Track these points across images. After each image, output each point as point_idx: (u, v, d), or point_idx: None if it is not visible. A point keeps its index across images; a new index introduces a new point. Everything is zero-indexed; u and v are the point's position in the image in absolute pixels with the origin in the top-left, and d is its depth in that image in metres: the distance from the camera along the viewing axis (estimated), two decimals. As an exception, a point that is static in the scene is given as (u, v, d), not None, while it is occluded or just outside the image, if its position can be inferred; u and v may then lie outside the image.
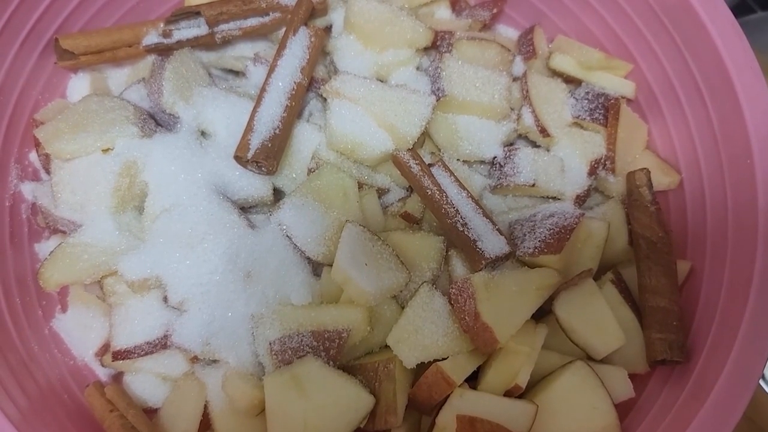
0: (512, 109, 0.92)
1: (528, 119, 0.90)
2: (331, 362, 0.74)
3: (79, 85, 0.95)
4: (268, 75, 0.83)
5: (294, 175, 0.85)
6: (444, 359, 0.74)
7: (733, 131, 0.78)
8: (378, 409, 0.73)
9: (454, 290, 0.75)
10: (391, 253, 0.77)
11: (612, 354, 0.78)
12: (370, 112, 0.83)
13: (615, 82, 0.94)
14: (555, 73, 0.97)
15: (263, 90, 0.82)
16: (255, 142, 0.78)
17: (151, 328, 0.78)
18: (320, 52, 0.89)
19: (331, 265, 0.77)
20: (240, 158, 0.79)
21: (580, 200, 0.89)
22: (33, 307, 0.86)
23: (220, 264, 0.76)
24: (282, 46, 0.85)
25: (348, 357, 0.78)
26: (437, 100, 0.86)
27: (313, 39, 0.86)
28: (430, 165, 0.83)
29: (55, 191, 0.82)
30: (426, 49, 0.95)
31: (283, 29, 0.92)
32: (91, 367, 0.87)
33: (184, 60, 0.88)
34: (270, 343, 0.74)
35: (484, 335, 0.73)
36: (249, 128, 0.79)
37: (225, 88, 0.89)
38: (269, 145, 0.78)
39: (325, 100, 0.87)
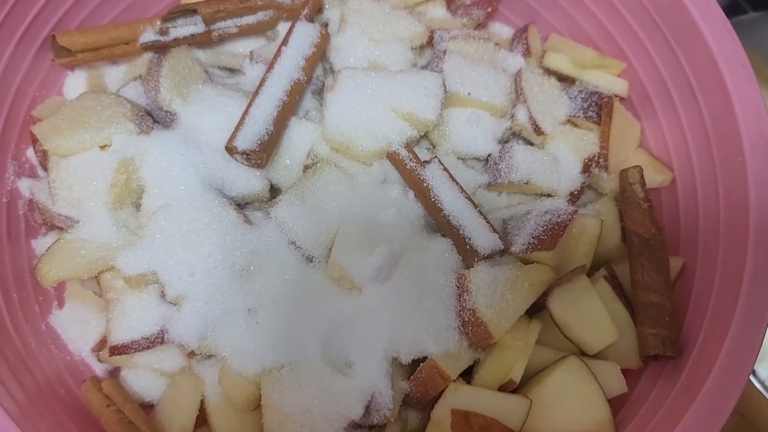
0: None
1: (522, 117, 0.90)
2: (328, 357, 0.75)
3: (75, 83, 0.95)
4: (268, 68, 0.83)
5: (290, 172, 0.85)
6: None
7: (724, 129, 0.79)
8: (373, 404, 0.74)
9: (449, 286, 0.76)
10: (387, 250, 0.77)
11: (605, 349, 0.78)
12: (383, 103, 0.83)
13: (608, 81, 0.95)
14: (549, 72, 0.98)
15: (261, 83, 0.82)
16: (247, 133, 0.78)
17: (148, 324, 0.78)
18: (323, 53, 0.89)
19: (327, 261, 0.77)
20: (230, 149, 0.79)
21: (574, 197, 0.89)
22: (30, 303, 0.86)
23: (217, 259, 0.76)
24: (285, 41, 0.85)
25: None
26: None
27: (318, 40, 0.86)
28: (425, 162, 0.83)
29: (52, 187, 0.82)
30: (421, 47, 0.96)
31: (280, 26, 0.92)
32: (88, 362, 0.87)
33: (180, 57, 0.89)
34: None
35: (478, 330, 0.73)
36: (242, 120, 0.80)
37: (222, 86, 0.89)
38: (261, 137, 0.79)
39: (321, 97, 0.87)
